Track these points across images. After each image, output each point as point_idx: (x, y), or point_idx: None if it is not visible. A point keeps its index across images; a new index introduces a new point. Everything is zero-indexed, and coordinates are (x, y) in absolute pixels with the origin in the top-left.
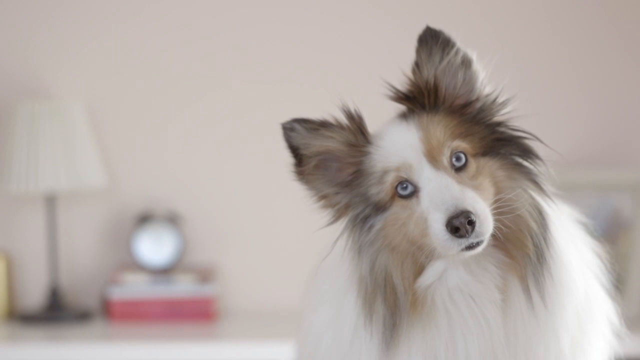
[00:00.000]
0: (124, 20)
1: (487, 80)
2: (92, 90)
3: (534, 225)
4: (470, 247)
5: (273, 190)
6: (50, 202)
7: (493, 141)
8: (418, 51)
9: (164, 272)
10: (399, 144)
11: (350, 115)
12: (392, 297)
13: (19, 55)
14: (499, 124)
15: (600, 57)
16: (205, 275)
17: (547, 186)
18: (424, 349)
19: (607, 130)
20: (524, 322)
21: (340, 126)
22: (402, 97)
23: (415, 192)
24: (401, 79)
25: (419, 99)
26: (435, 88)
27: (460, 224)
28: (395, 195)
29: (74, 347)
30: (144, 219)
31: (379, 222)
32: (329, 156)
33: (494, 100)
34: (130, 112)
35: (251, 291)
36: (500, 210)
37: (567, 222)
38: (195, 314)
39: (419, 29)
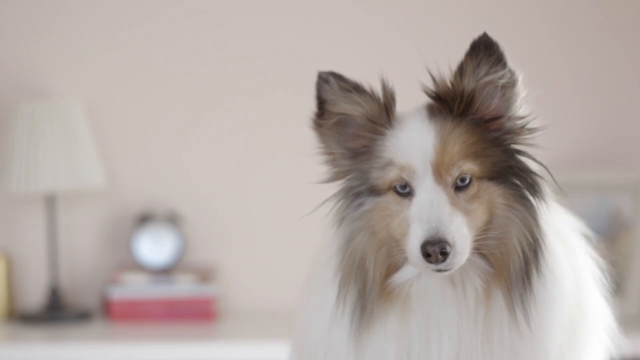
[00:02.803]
0: (126, 18)
1: (524, 101)
2: (92, 89)
3: (517, 257)
4: (438, 271)
5: (274, 189)
6: (50, 202)
7: (505, 168)
8: (467, 57)
9: (164, 272)
10: (413, 143)
11: (385, 90)
12: (362, 282)
13: (19, 55)
14: (519, 152)
15: (599, 57)
16: (205, 275)
17: (545, 225)
18: (397, 339)
19: (606, 130)
20: (507, 339)
21: (371, 96)
22: (433, 95)
23: (410, 194)
24: (441, 72)
25: (450, 102)
26: (470, 98)
27: (432, 252)
28: (392, 188)
29: (74, 347)
30: (144, 219)
31: (369, 203)
32: (349, 120)
33: (524, 125)
34: (131, 112)
35: (252, 291)
36: (486, 241)
37: (567, 236)
38: (196, 314)
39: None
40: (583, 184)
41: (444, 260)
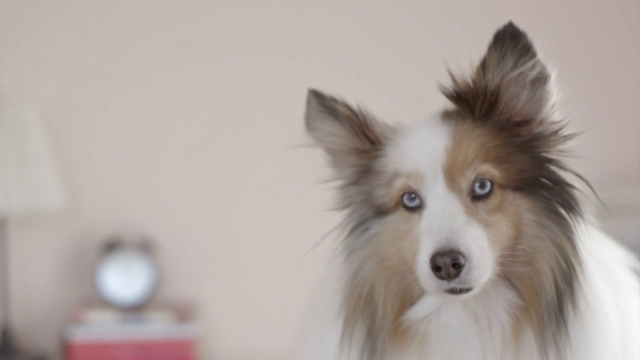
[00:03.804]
0: (87, 17)
1: (558, 105)
2: (49, 94)
3: (550, 287)
4: (452, 292)
5: (262, 213)
6: (0, 226)
7: (534, 178)
8: (490, 49)
9: (135, 310)
10: (419, 147)
11: (353, 116)
12: (370, 318)
13: None
14: (551, 160)
15: None
16: (183, 313)
17: (583, 249)
18: None
19: None
20: None
21: (343, 125)
22: (452, 94)
23: (420, 207)
24: (464, 68)
25: (470, 102)
26: (495, 97)
27: (442, 264)
28: (400, 203)
29: None
30: (111, 247)
31: (375, 226)
32: (335, 152)
33: (558, 130)
34: (94, 121)
35: (237, 331)
36: (513, 259)
37: (612, 269)
38: (172, 359)
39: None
40: (632, 206)
41: (457, 274)
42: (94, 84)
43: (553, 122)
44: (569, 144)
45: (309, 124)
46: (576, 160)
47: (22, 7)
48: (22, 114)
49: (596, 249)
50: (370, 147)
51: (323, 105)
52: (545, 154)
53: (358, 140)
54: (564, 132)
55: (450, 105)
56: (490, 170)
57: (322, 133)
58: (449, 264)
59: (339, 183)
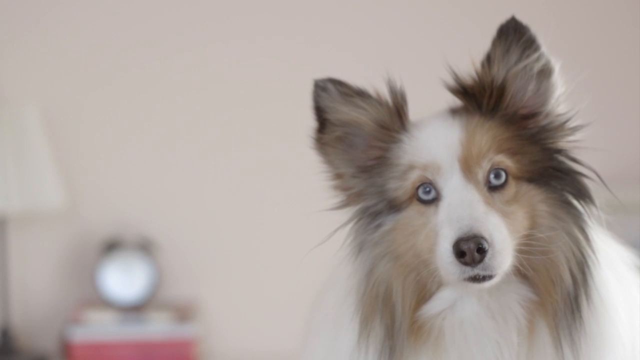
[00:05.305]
0: (87, 15)
1: (563, 98)
2: (50, 93)
3: (566, 276)
4: (475, 279)
5: (263, 213)
6: (0, 226)
7: (546, 169)
8: (494, 43)
9: (135, 310)
10: (434, 139)
11: (393, 92)
12: (389, 318)
13: None
14: (560, 151)
15: None
16: (183, 313)
17: (594, 235)
18: None
19: None
20: None
21: (378, 100)
22: (459, 90)
23: (436, 200)
24: (465, 67)
25: (477, 97)
26: (501, 90)
27: (467, 249)
28: (414, 197)
29: None
30: (111, 247)
31: (389, 222)
32: (356, 131)
33: (565, 122)
34: (94, 120)
35: (238, 332)
36: (529, 248)
37: (618, 266)
38: (172, 359)
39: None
40: (632, 206)
41: (481, 260)
42: (93, 84)
43: (559, 115)
44: (577, 136)
45: (329, 109)
46: (584, 155)
47: (22, 6)
48: (22, 113)
49: (603, 246)
50: (398, 126)
51: (347, 89)
52: (555, 146)
53: (389, 115)
54: (571, 124)
55: (455, 102)
56: (504, 160)
57: (349, 111)
58: (473, 249)
59: (347, 172)
